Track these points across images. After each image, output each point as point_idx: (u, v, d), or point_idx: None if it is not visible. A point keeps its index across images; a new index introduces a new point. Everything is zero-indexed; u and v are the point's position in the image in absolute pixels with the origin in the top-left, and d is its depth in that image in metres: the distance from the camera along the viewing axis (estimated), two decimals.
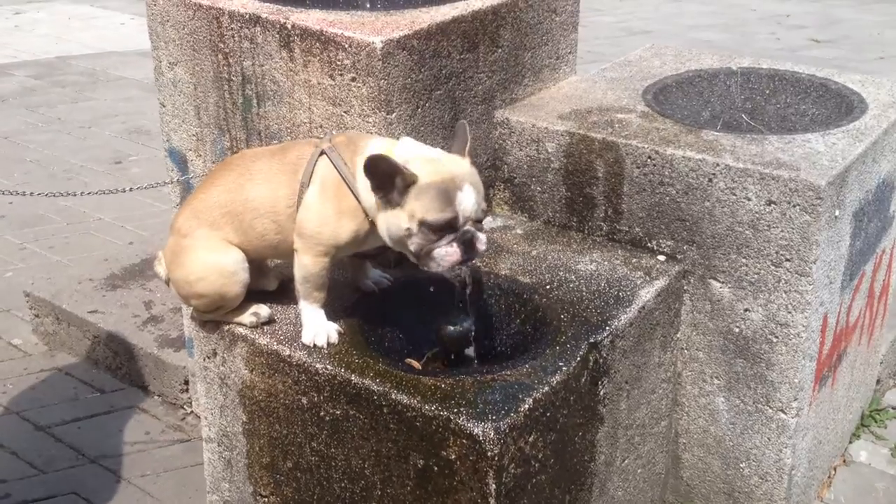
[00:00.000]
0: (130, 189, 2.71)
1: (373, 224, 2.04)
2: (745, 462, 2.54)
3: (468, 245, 1.95)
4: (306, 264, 2.08)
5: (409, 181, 1.91)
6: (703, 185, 2.39)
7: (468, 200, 1.93)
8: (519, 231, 2.66)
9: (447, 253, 1.94)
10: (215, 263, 2.12)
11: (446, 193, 1.91)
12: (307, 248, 2.08)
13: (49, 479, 2.86)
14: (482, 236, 1.98)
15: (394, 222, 1.95)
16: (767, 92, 2.94)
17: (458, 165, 1.98)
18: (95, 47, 7.47)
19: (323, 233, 2.05)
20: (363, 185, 1.99)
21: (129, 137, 5.60)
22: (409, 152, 1.98)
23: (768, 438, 2.48)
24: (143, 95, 6.32)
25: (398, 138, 2.09)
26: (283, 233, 2.10)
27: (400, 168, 1.90)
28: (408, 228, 1.94)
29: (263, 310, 2.21)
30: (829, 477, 2.86)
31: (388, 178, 1.91)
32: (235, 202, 2.11)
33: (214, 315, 2.21)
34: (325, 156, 2.07)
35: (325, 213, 2.05)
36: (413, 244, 1.95)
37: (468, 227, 1.94)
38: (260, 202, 2.10)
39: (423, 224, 1.92)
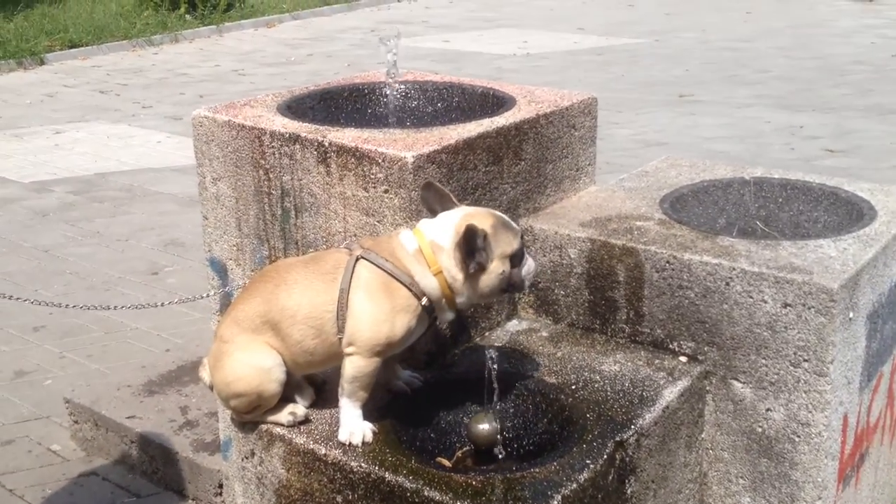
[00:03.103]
0: (163, 304, 2.87)
1: (424, 310, 2.20)
2: None
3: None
4: (360, 365, 2.19)
5: (484, 235, 2.16)
6: (720, 289, 2.49)
7: (512, 222, 2.28)
8: (544, 334, 2.76)
9: (531, 265, 2.30)
10: (252, 363, 2.24)
11: (504, 227, 2.23)
12: (362, 351, 2.19)
13: None
14: None
15: (492, 276, 2.21)
16: (780, 200, 3.07)
17: (476, 209, 2.28)
18: (132, 164, 7.77)
19: (380, 333, 2.17)
20: (419, 270, 2.20)
21: (164, 249, 5.79)
22: (441, 225, 2.23)
23: None
24: (178, 209, 6.55)
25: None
26: (322, 337, 2.22)
27: (478, 228, 2.15)
28: (503, 271, 2.21)
29: (300, 409, 2.30)
30: None
31: (476, 242, 2.15)
32: (272, 311, 2.24)
33: (253, 416, 2.31)
34: (361, 261, 2.20)
35: (378, 314, 2.17)
36: (511, 280, 2.24)
37: None
38: (297, 309, 2.22)
39: (512, 257, 2.22)
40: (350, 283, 2.19)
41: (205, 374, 2.38)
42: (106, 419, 3.50)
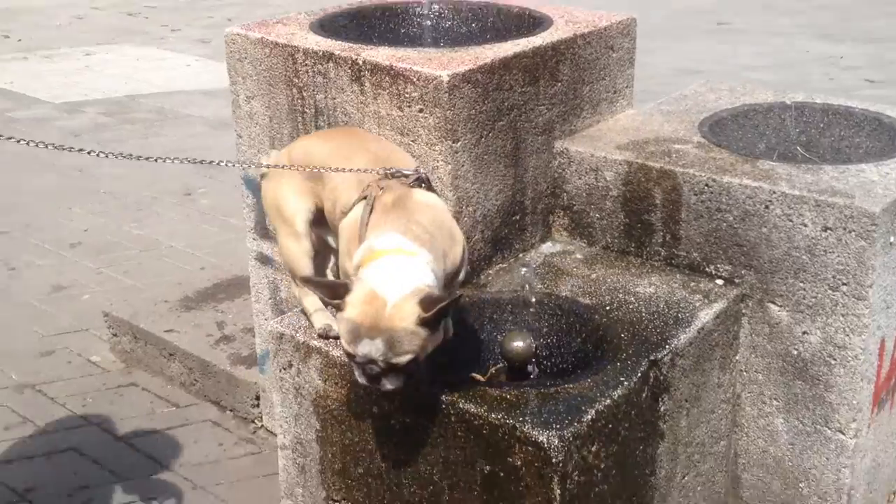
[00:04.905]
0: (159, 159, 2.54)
1: None
2: (804, 482, 2.58)
3: (372, 378, 1.95)
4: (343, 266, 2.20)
5: (339, 308, 1.94)
6: (759, 212, 2.47)
7: (363, 349, 1.91)
8: (578, 256, 2.76)
9: (356, 372, 1.98)
10: (290, 203, 2.33)
11: (352, 333, 1.92)
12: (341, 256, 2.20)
13: (129, 486, 3.01)
14: (390, 381, 1.95)
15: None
16: (822, 125, 3.02)
17: (380, 316, 1.89)
18: (162, 87, 7.77)
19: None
20: (357, 254, 2.03)
21: (196, 171, 5.82)
22: (377, 276, 1.93)
23: (827, 459, 2.53)
24: (208, 132, 6.57)
25: (410, 238, 2.00)
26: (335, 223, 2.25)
27: (326, 301, 2.04)
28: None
29: (336, 329, 2.32)
30: (888, 502, 2.88)
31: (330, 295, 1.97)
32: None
33: (292, 275, 2.37)
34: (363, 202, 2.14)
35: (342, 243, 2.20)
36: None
37: (373, 365, 1.93)
38: (333, 184, 2.24)
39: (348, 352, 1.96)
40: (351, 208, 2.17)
41: (265, 159, 2.47)
42: (145, 332, 3.58)
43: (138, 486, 3.01)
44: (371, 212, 2.08)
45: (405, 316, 1.88)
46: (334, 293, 1.94)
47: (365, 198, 2.12)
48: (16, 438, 3.24)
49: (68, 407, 3.42)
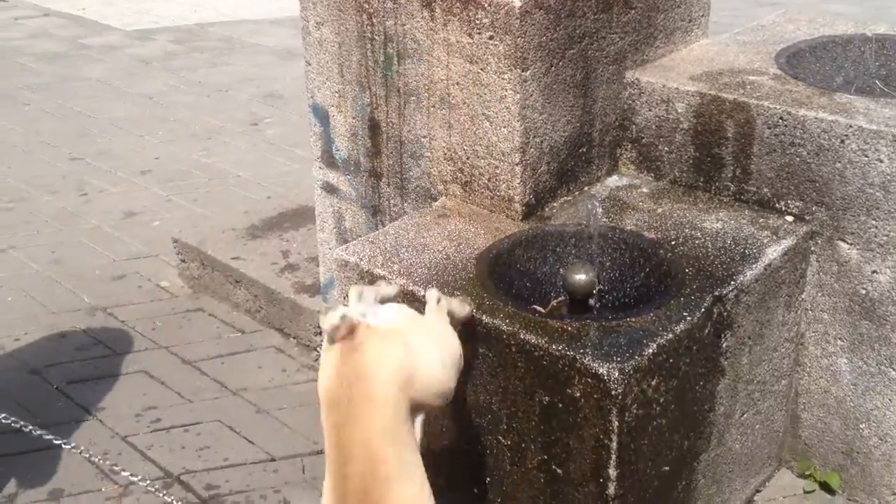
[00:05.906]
0: None
1: None
2: (865, 423, 2.55)
3: None
4: None
5: None
6: (834, 147, 2.40)
7: None
8: (645, 190, 2.72)
9: None
10: None
11: None
12: None
13: (195, 407, 3.11)
14: None
15: None
16: None
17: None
18: (230, 15, 7.80)
19: None
20: None
21: (263, 101, 5.85)
22: None
23: (890, 400, 2.48)
24: (275, 62, 6.58)
25: None
26: None
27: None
28: None
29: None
30: None
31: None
32: None
33: None
34: None
35: None
36: None
37: None
38: None
39: None
40: None
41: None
42: (212, 259, 3.65)
43: (204, 409, 3.10)
44: None
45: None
46: None
47: None
48: (87, 359, 3.36)
49: (138, 330, 3.52)
